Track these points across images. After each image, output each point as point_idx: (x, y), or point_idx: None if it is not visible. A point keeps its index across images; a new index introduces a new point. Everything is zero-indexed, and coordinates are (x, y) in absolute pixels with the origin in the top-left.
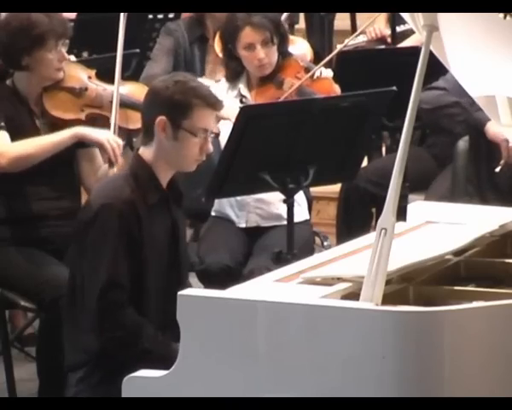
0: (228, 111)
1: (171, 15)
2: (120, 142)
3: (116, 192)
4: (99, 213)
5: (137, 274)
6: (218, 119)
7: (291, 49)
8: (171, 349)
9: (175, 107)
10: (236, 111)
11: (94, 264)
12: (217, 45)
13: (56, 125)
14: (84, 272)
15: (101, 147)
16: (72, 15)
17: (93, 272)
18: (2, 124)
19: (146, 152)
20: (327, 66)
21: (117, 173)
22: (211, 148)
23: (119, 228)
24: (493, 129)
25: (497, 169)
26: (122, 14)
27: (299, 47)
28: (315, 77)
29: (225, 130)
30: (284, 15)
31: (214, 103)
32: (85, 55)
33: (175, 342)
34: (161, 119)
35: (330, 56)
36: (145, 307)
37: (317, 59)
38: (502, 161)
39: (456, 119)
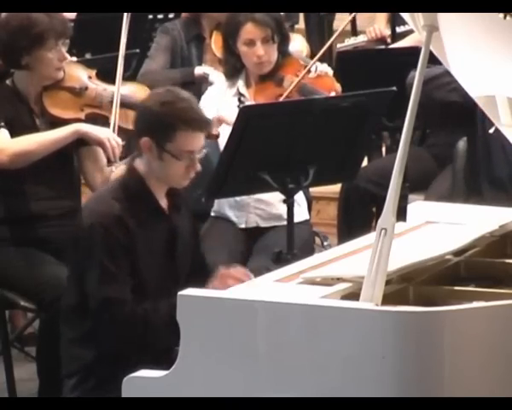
0: (231, 116)
1: (171, 15)
2: (120, 141)
3: (105, 209)
4: (89, 233)
5: (134, 284)
6: (220, 122)
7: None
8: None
9: (159, 129)
10: (235, 110)
11: (92, 282)
12: (214, 44)
13: (56, 124)
14: (82, 290)
15: (102, 145)
16: (72, 15)
17: (91, 291)
18: (2, 124)
19: (140, 164)
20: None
21: (106, 186)
22: (198, 167)
23: (109, 246)
24: None
25: (491, 130)
26: (125, 15)
27: (295, 43)
28: (314, 74)
29: (226, 133)
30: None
31: (200, 126)
32: (88, 55)
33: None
34: (145, 140)
35: (322, 51)
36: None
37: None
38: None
39: (448, 87)
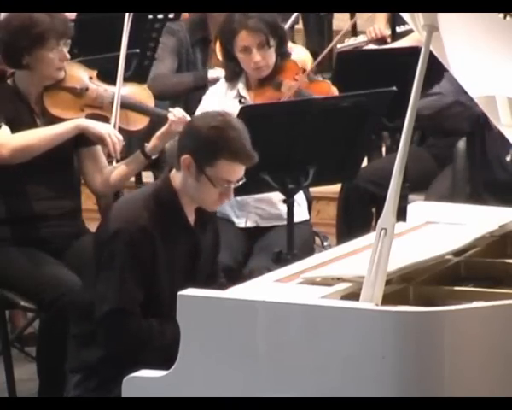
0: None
1: (171, 15)
2: (121, 137)
3: (132, 216)
4: (112, 237)
5: (151, 298)
6: None
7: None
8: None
9: (202, 151)
10: (235, 112)
11: (102, 288)
12: (217, 48)
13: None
14: (95, 293)
15: (102, 141)
16: (72, 15)
17: (100, 296)
18: (2, 124)
19: (176, 177)
20: (326, 66)
21: (139, 191)
22: (232, 196)
23: (129, 255)
24: None
25: (508, 158)
26: (127, 15)
27: (298, 55)
28: (313, 78)
29: None
30: (292, 18)
31: (244, 159)
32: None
33: None
34: (186, 157)
35: (322, 54)
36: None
37: (315, 59)
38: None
39: (460, 117)
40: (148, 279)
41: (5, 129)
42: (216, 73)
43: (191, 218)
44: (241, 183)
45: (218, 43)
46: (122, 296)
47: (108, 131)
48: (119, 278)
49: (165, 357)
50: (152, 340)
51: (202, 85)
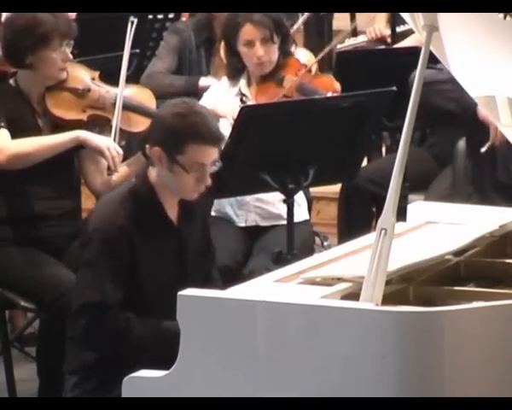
0: (225, 110)
1: (171, 15)
2: (120, 151)
3: (109, 216)
4: (90, 237)
5: (133, 297)
6: (217, 117)
7: None
8: (164, 328)
9: (170, 140)
10: (234, 110)
11: (78, 285)
12: (221, 47)
13: (58, 124)
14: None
15: (101, 154)
16: (72, 15)
17: (76, 293)
18: (3, 124)
19: (152, 173)
20: (326, 65)
21: (117, 190)
22: (209, 181)
23: (105, 254)
24: (484, 111)
25: (483, 149)
26: (131, 19)
27: (301, 57)
28: (314, 73)
29: (225, 130)
30: (301, 19)
31: (211, 140)
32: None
33: (166, 321)
34: (156, 150)
35: (322, 53)
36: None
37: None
38: (489, 143)
39: (448, 95)
40: (128, 278)
41: (5, 133)
42: (208, 81)
43: (173, 213)
44: (217, 165)
45: (221, 42)
46: (96, 291)
47: (108, 144)
48: (94, 275)
49: (156, 355)
50: (129, 332)
51: (192, 92)
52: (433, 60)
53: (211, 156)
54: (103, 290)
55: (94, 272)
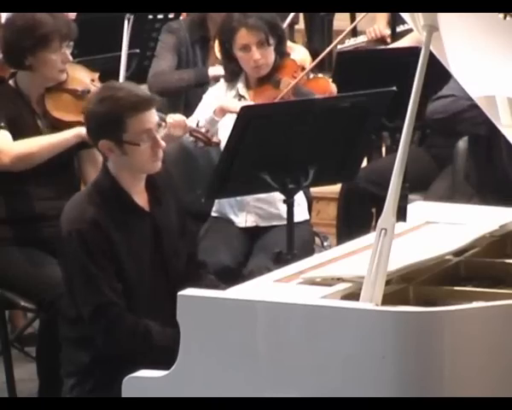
0: (236, 104)
1: (171, 15)
2: None
3: (78, 215)
4: (66, 241)
5: (123, 283)
6: (224, 112)
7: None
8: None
9: (107, 126)
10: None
11: (79, 295)
12: (216, 47)
13: (57, 126)
14: (73, 297)
15: None
16: (72, 16)
17: (81, 302)
18: (3, 124)
19: (110, 165)
20: (326, 66)
21: (82, 190)
22: (163, 144)
23: (89, 251)
24: None
25: None
26: (127, 18)
27: (298, 53)
28: (311, 76)
29: (225, 131)
30: (290, 17)
31: (144, 105)
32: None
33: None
34: (103, 142)
35: (322, 55)
36: (137, 312)
37: (315, 59)
38: None
39: (476, 120)
40: (116, 268)
41: (6, 135)
42: (217, 70)
43: (142, 199)
44: (163, 125)
45: (217, 43)
46: (99, 292)
47: None
48: (88, 278)
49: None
50: (149, 338)
51: (203, 82)
52: (433, 62)
53: (152, 119)
54: (106, 288)
55: (87, 275)
